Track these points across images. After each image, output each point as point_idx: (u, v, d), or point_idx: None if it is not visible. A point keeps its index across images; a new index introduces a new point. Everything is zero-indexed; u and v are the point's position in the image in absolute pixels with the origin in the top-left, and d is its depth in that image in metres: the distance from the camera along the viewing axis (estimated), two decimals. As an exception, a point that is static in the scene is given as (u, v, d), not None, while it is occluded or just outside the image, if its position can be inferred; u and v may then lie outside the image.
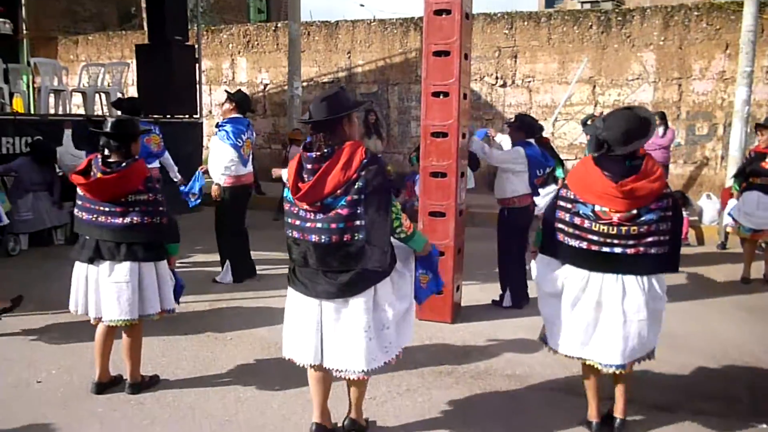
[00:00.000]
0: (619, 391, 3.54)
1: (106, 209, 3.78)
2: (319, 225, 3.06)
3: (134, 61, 11.18)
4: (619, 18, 11.31)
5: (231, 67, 14.55)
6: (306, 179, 3.11)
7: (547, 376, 4.30)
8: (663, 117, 9.83)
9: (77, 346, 4.70)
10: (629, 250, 3.24)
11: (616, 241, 3.25)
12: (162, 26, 10.36)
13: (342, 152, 3.06)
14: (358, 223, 3.04)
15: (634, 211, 3.22)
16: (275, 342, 4.84)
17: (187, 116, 10.76)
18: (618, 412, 3.54)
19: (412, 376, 4.26)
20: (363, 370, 3.15)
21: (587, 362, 3.43)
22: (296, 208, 3.15)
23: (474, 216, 8.77)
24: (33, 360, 4.49)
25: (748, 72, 8.93)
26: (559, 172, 7.90)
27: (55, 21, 17.54)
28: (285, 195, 3.25)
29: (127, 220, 3.77)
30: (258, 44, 14.24)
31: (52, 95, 10.54)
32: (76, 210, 3.95)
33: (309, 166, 3.11)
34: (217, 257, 6.68)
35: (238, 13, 21.06)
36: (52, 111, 10.52)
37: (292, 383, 4.09)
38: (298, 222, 3.14)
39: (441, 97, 5.10)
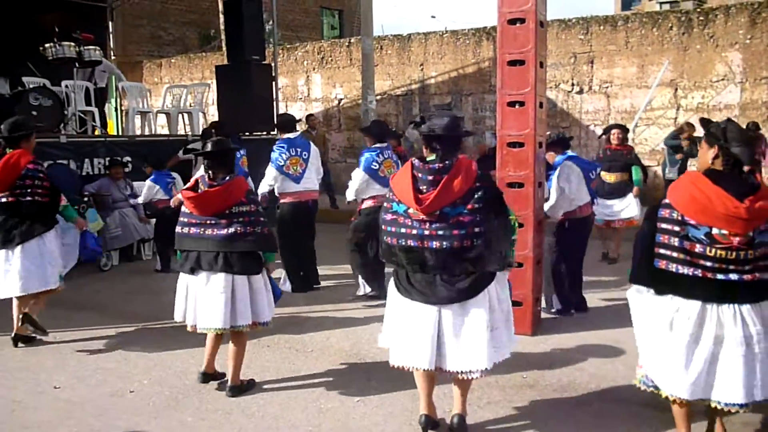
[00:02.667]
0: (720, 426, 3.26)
1: (212, 222, 4.08)
2: (440, 232, 3.25)
3: (214, 82, 11.58)
4: (701, 18, 10.90)
5: (306, 84, 14.86)
6: (425, 190, 3.29)
7: (633, 391, 4.11)
8: (756, 127, 9.29)
9: (166, 357, 4.89)
10: (746, 276, 2.94)
11: (732, 267, 2.94)
12: (240, 47, 10.68)
13: (460, 164, 3.33)
14: (477, 229, 3.26)
15: (751, 234, 2.92)
16: (355, 353, 4.91)
17: (265, 133, 11.04)
18: None
19: (493, 390, 4.20)
20: (486, 369, 3.30)
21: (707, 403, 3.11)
22: (409, 219, 3.31)
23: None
24: (126, 371, 4.69)
25: None
26: (637, 181, 7.60)
27: (140, 46, 18.46)
28: (394, 209, 3.39)
29: (231, 230, 4.05)
30: (332, 60, 14.49)
31: (138, 117, 11.05)
32: (179, 228, 4.21)
33: (430, 177, 3.31)
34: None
35: (312, 30, 21.58)
36: (138, 132, 11.01)
37: (373, 394, 4.13)
38: (414, 231, 3.29)
39: (517, 106, 5.04)
